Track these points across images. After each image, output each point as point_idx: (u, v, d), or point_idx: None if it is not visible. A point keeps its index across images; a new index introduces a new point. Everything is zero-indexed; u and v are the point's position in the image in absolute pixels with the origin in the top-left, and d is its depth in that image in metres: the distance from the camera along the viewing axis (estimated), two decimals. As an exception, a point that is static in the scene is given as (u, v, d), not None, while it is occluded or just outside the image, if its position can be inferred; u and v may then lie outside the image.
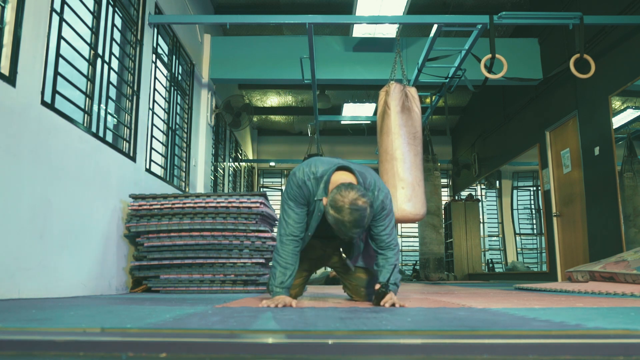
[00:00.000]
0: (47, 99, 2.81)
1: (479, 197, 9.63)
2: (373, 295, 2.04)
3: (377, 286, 2.02)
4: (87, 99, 3.39)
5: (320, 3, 6.70)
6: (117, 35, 3.88)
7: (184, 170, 5.48)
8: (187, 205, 3.69)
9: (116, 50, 3.87)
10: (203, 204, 3.69)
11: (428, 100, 6.91)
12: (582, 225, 5.64)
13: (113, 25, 3.73)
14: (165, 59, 5.07)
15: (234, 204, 3.68)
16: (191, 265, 3.67)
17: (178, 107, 5.37)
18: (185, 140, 5.53)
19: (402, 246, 11.33)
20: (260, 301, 2.06)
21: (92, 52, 3.45)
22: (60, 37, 2.97)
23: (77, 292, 3.06)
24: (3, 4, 2.51)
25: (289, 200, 2.10)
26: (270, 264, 2.68)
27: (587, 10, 5.01)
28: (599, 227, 5.25)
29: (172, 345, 0.90)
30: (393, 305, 1.94)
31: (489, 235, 9.25)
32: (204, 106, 6.11)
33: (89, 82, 3.41)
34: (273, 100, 9.93)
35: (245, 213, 3.68)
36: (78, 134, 3.14)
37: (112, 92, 3.76)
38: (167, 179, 4.90)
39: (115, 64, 3.83)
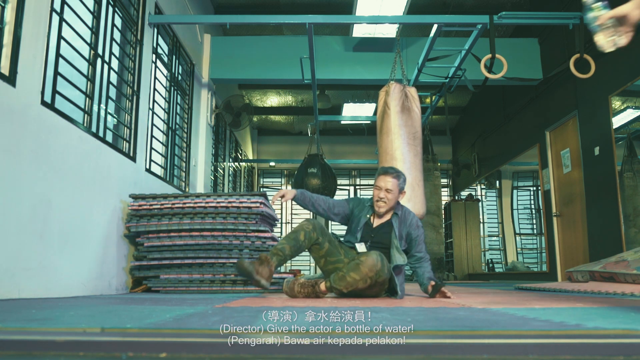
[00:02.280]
0: (47, 98, 2.81)
1: (479, 197, 9.63)
2: (430, 289, 2.72)
3: (432, 283, 2.73)
4: (87, 99, 3.39)
5: (320, 3, 6.70)
6: (117, 35, 3.88)
7: (184, 170, 5.48)
8: (187, 205, 3.69)
9: (116, 50, 3.87)
10: (203, 204, 3.69)
11: (428, 100, 6.90)
12: (582, 225, 5.63)
13: (113, 25, 3.73)
14: (165, 59, 5.07)
15: (234, 204, 3.68)
16: (191, 265, 3.67)
17: (178, 107, 5.36)
18: (185, 140, 5.53)
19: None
20: (261, 300, 2.06)
21: (92, 52, 3.45)
22: (60, 37, 2.97)
23: (77, 292, 3.06)
24: (3, 4, 2.51)
25: (346, 199, 3.03)
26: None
27: (587, 10, 4.99)
28: (599, 227, 5.25)
29: (172, 345, 0.90)
30: (446, 296, 2.63)
31: (489, 235, 9.25)
32: (204, 106, 6.11)
33: (89, 82, 3.41)
34: (273, 100, 9.92)
35: (245, 213, 3.68)
36: (78, 134, 3.14)
37: (112, 92, 3.76)
38: (167, 179, 4.90)
39: (115, 64, 3.83)
